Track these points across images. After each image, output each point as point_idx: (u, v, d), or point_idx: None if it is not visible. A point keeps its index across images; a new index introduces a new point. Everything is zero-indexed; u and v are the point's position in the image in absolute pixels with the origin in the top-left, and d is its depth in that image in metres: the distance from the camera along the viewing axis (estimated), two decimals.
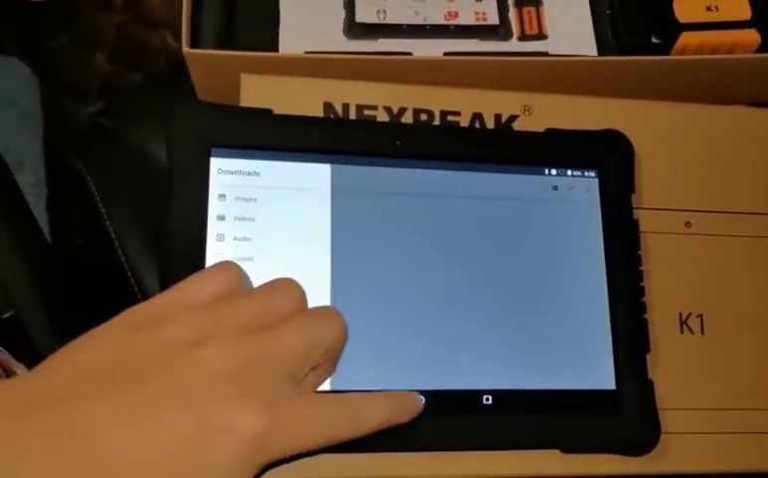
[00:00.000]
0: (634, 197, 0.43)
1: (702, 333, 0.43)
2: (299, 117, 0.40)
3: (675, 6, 0.46)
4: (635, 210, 0.43)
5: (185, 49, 0.44)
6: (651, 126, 0.45)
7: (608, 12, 0.49)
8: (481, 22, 0.50)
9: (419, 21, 0.50)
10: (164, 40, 0.87)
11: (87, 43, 0.89)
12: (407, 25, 0.50)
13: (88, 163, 0.50)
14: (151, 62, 0.85)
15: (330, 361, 0.34)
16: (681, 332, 0.42)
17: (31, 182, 0.66)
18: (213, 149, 0.39)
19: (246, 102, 0.42)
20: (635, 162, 0.43)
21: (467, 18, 0.50)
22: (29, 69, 0.77)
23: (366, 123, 0.42)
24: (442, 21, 0.50)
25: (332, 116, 0.42)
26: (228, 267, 0.32)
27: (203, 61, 0.44)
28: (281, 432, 0.29)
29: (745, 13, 0.46)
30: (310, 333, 0.31)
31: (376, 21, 0.50)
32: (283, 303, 0.32)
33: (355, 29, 0.49)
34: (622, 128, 0.43)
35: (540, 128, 0.43)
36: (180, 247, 0.38)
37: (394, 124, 0.42)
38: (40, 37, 0.88)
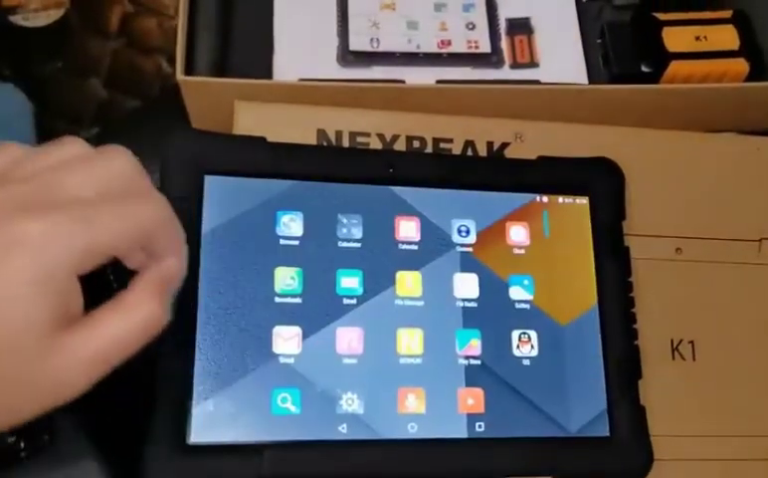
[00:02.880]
0: (625, 224, 0.43)
1: (694, 359, 0.43)
2: (293, 144, 0.40)
3: (665, 36, 0.47)
4: (625, 237, 0.43)
5: (179, 76, 0.44)
6: (641, 154, 0.45)
7: (598, 41, 0.49)
8: (474, 50, 0.51)
9: (412, 49, 0.51)
10: (159, 66, 0.87)
11: (81, 69, 0.89)
12: (400, 53, 0.50)
13: None
14: (146, 88, 0.85)
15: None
16: (673, 358, 0.43)
17: None
18: (206, 177, 0.39)
19: (239, 129, 0.42)
20: (625, 189, 0.44)
21: (459, 46, 0.51)
22: (23, 94, 0.77)
23: (359, 151, 0.42)
24: (435, 49, 0.51)
25: (326, 143, 0.42)
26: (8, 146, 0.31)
27: (197, 88, 0.45)
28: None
29: (733, 43, 0.47)
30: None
31: (369, 49, 0.50)
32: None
33: (349, 57, 0.50)
34: (613, 156, 0.44)
35: (532, 156, 0.44)
36: None
37: (387, 152, 0.42)
38: (34, 63, 0.88)
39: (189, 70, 0.47)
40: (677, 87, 0.46)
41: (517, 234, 0.42)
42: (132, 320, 0.30)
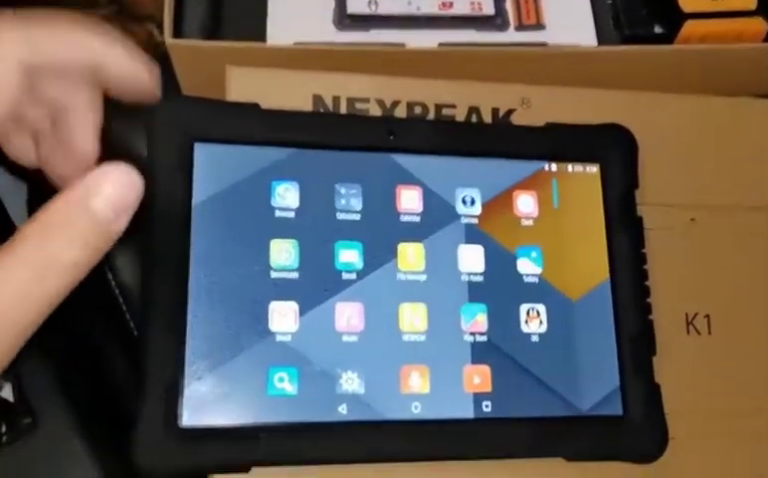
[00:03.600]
0: (637, 193, 0.41)
1: (710, 333, 0.41)
2: (288, 111, 0.38)
3: None
4: (638, 206, 0.41)
5: (168, 40, 0.42)
6: (654, 119, 0.43)
7: (608, 1, 0.47)
8: (477, 12, 0.48)
9: (412, 11, 0.48)
10: (150, 34, 0.84)
11: None
12: (400, 15, 0.48)
13: None
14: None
15: None
16: (688, 332, 0.41)
17: (10, 179, 0.64)
18: (196, 145, 0.37)
19: (231, 95, 0.40)
20: (638, 156, 0.41)
21: (462, 8, 0.48)
22: None
23: (358, 118, 0.40)
24: (436, 11, 0.48)
25: (322, 109, 0.40)
26: None
27: (187, 52, 0.43)
28: None
29: (751, 1, 0.45)
30: None
31: (368, 12, 0.48)
32: None
33: (346, 20, 0.47)
34: (625, 122, 0.42)
35: (539, 122, 0.41)
36: (163, 245, 0.36)
37: (387, 119, 0.40)
38: None
39: (178, 34, 0.44)
40: (692, 47, 0.44)
41: (525, 204, 0.40)
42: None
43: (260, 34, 0.46)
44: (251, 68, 0.40)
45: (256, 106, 0.38)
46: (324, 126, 0.39)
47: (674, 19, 0.44)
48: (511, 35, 0.47)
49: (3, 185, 0.62)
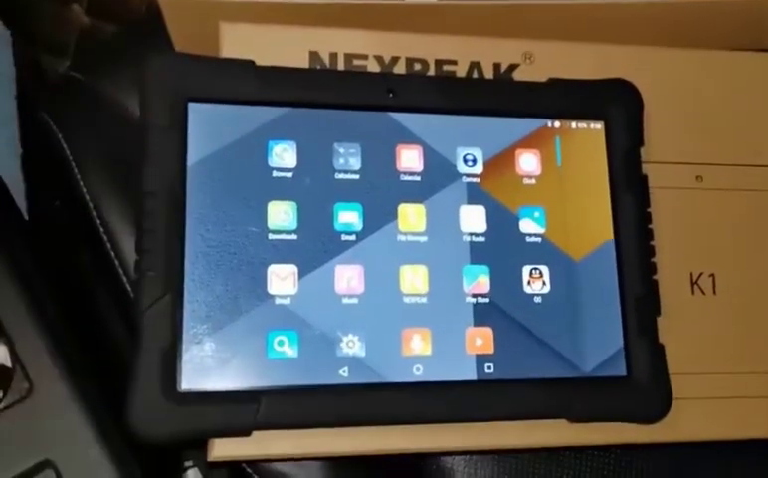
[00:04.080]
0: (642, 151, 0.40)
1: (714, 293, 0.40)
2: (284, 68, 0.37)
3: None
4: (643, 165, 0.40)
5: None
6: (659, 75, 0.42)
7: None
8: None
9: None
10: None
11: None
12: None
13: (60, 121, 0.47)
14: (130, 13, 0.81)
15: None
16: (693, 292, 0.40)
17: (5, 143, 0.63)
18: (190, 104, 0.36)
19: (226, 52, 0.39)
20: (643, 114, 0.40)
21: None
22: (0, 24, 0.73)
23: (356, 75, 0.39)
24: None
25: (319, 66, 0.39)
26: None
27: (179, 7, 0.41)
28: None
29: None
30: None
31: None
32: None
33: None
34: (629, 77, 0.41)
35: (542, 78, 0.40)
36: (158, 207, 0.35)
37: (386, 75, 0.39)
38: None
39: None
40: (698, 1, 0.43)
41: (528, 163, 0.39)
42: None
43: None
44: (245, 24, 0.39)
45: (251, 63, 0.37)
46: (322, 84, 0.38)
47: None
48: None
49: None
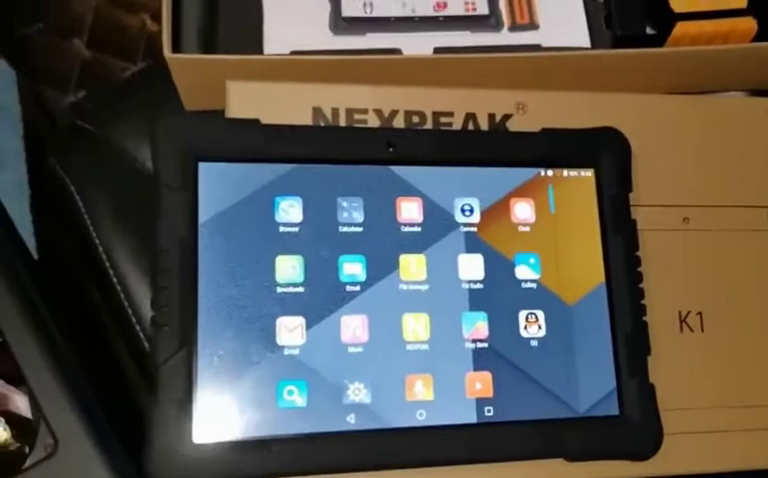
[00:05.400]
0: (631, 195, 0.42)
1: (702, 330, 0.42)
2: (289, 126, 0.39)
3: None
4: (632, 208, 0.42)
5: (167, 54, 0.42)
6: (647, 121, 0.44)
7: (600, 1, 0.47)
8: (471, 12, 0.49)
9: (407, 13, 0.49)
10: (143, 23, 0.84)
11: (63, 29, 0.86)
12: (395, 17, 0.49)
13: (69, 170, 0.49)
14: (131, 46, 0.83)
15: None
16: (681, 330, 0.42)
17: (13, 183, 0.64)
18: (200, 164, 0.38)
19: (232, 110, 0.40)
20: (632, 158, 0.42)
21: (456, 8, 0.49)
22: (5, 62, 0.75)
23: (358, 131, 0.41)
24: (431, 12, 0.49)
25: (322, 121, 0.41)
26: None
27: (186, 65, 0.43)
28: None
29: (741, 1, 0.45)
30: None
31: (363, 14, 0.48)
32: None
33: (342, 24, 0.48)
34: (618, 124, 0.43)
35: (535, 127, 0.42)
36: (171, 264, 0.37)
37: (386, 131, 0.41)
38: (14, 25, 0.85)
39: (176, 44, 0.45)
40: (684, 50, 0.45)
41: (522, 211, 0.41)
42: None
43: (257, 41, 0.46)
44: (250, 82, 0.41)
45: (256, 122, 0.39)
46: (325, 141, 0.39)
47: (666, 19, 0.45)
48: (505, 35, 0.48)
49: (4, 188, 0.62)
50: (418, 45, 0.47)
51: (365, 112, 0.42)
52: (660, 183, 0.43)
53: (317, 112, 0.41)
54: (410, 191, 0.40)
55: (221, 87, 0.42)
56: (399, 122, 0.42)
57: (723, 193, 0.44)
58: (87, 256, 0.48)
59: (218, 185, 0.38)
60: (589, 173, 0.42)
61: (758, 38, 0.45)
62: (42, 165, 0.55)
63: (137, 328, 0.45)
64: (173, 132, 0.38)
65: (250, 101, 0.40)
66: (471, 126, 0.43)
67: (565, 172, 0.41)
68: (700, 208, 0.44)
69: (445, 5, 0.49)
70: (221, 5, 0.48)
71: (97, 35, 0.85)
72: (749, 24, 0.45)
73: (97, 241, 0.46)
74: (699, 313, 0.42)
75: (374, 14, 0.48)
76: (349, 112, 0.42)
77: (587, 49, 0.47)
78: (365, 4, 0.49)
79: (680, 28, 0.45)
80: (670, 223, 0.43)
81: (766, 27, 0.45)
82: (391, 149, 0.40)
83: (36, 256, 0.56)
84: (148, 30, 0.86)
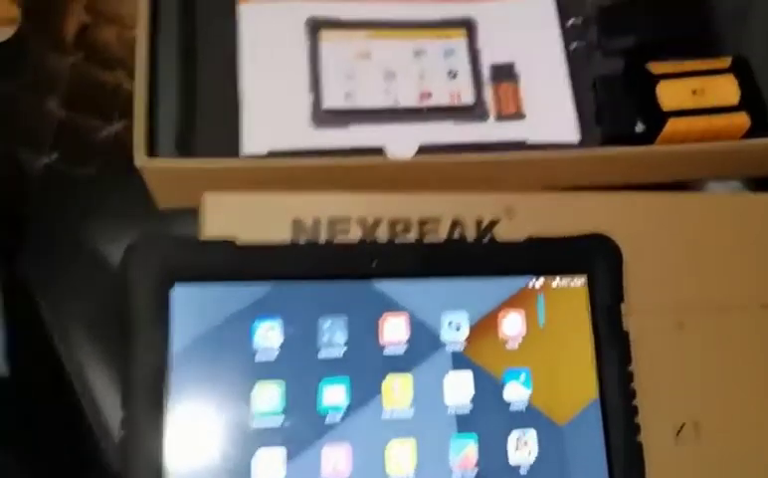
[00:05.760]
0: (623, 305, 0.40)
1: (699, 442, 0.41)
2: (266, 245, 0.37)
3: (660, 92, 0.44)
4: (624, 317, 0.40)
5: (139, 162, 0.40)
6: (638, 221, 0.43)
7: (591, 93, 0.46)
8: (456, 103, 0.48)
9: (390, 103, 0.47)
10: (120, 82, 0.82)
11: (38, 87, 0.84)
12: (378, 109, 0.47)
13: (37, 270, 0.47)
14: (108, 105, 0.80)
15: None
16: (676, 442, 0.41)
17: None
18: (173, 288, 0.36)
19: (209, 224, 0.39)
20: (623, 263, 0.41)
21: (441, 98, 0.48)
22: None
23: (338, 246, 0.39)
24: (415, 102, 0.48)
25: (302, 233, 0.39)
26: None
27: (161, 172, 0.41)
28: None
29: (733, 96, 0.44)
30: None
31: (345, 106, 0.47)
32: None
33: (323, 116, 0.46)
34: (608, 224, 0.41)
35: (524, 232, 0.41)
36: (141, 396, 0.35)
37: (368, 245, 0.39)
38: None
39: (151, 145, 0.43)
40: (675, 149, 0.43)
41: (511, 325, 0.39)
42: None
43: (234, 134, 0.45)
44: (227, 194, 0.39)
45: (232, 243, 0.37)
46: (304, 258, 0.38)
47: (657, 117, 0.44)
48: (491, 126, 0.47)
49: None
50: (402, 137, 0.46)
51: (347, 221, 0.40)
52: (652, 287, 0.42)
53: (297, 223, 0.40)
54: (395, 307, 0.38)
55: (196, 186, 0.40)
56: (383, 231, 0.40)
57: (718, 294, 0.43)
58: (55, 374, 0.46)
59: (192, 310, 0.36)
60: (579, 283, 0.40)
61: (751, 133, 0.44)
62: (9, 269, 0.52)
63: (105, 451, 0.43)
64: (145, 255, 0.36)
65: (227, 214, 0.39)
66: (457, 233, 0.41)
67: (555, 283, 0.40)
68: (695, 312, 0.42)
69: (429, 95, 0.48)
70: (198, 100, 0.46)
71: (73, 94, 0.83)
72: (742, 119, 0.44)
73: (64, 353, 0.44)
74: (696, 422, 0.41)
75: (357, 105, 0.47)
76: (331, 222, 0.40)
77: (574, 145, 0.45)
78: (347, 94, 0.47)
79: (671, 125, 0.44)
80: (663, 329, 0.42)
81: (759, 122, 0.44)
82: (374, 264, 0.38)
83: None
84: (124, 89, 0.84)
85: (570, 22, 0.48)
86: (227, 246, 0.37)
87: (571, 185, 0.45)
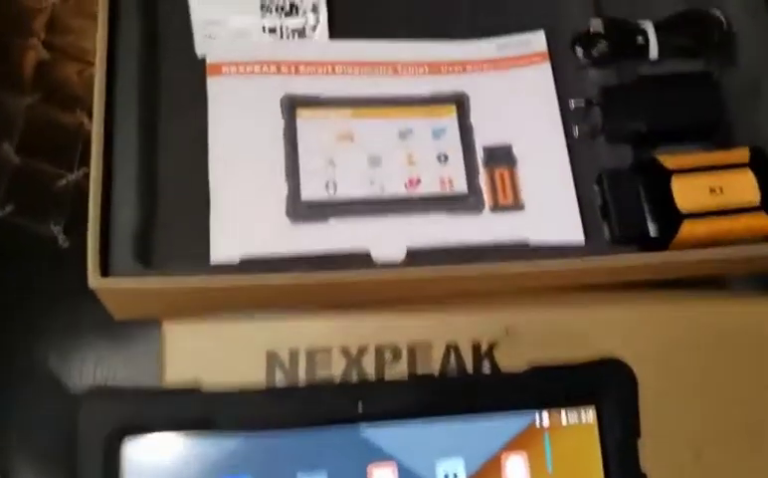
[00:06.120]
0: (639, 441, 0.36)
1: None
2: (235, 393, 0.32)
3: (675, 190, 0.40)
4: (641, 456, 0.36)
5: (92, 283, 0.35)
6: (651, 339, 0.39)
7: (595, 187, 0.42)
8: (448, 190, 0.43)
9: (375, 192, 0.43)
10: (81, 122, 0.76)
11: None
12: (362, 199, 0.42)
13: None
14: (67, 151, 0.75)
15: None
16: None
17: None
18: (126, 441, 0.31)
19: (170, 359, 0.34)
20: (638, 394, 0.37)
21: (430, 185, 0.43)
22: None
23: (319, 388, 0.34)
24: (402, 191, 0.43)
25: (278, 368, 0.35)
26: None
27: (116, 293, 0.36)
28: None
29: (753, 194, 0.40)
30: None
31: (325, 197, 0.42)
32: None
33: (300, 209, 0.42)
34: (618, 340, 0.37)
35: (526, 354, 0.37)
36: None
37: (352, 386, 0.35)
38: None
39: (105, 250, 0.38)
40: (692, 255, 0.39)
41: (515, 471, 0.35)
42: None
43: (201, 235, 0.40)
44: (190, 324, 0.34)
45: (196, 391, 0.32)
46: (279, 405, 0.33)
47: (671, 219, 0.40)
48: (486, 218, 0.42)
49: None
50: (389, 234, 0.41)
51: (328, 351, 0.36)
52: (668, 414, 0.38)
53: (272, 356, 0.35)
54: (383, 456, 0.34)
55: (157, 302, 0.35)
56: (369, 361, 0.36)
57: (740, 423, 0.38)
58: None
59: (147, 467, 0.31)
60: (590, 418, 0.36)
61: None
62: None
63: None
64: (97, 407, 0.31)
65: (190, 347, 0.34)
66: (452, 359, 0.37)
67: (563, 420, 0.36)
68: (715, 439, 0.38)
69: (418, 182, 0.43)
70: (161, 196, 0.41)
71: (30, 137, 0.77)
72: (763, 221, 0.40)
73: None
74: None
75: (338, 195, 0.42)
76: (310, 353, 0.35)
77: (580, 246, 0.41)
78: (328, 184, 0.43)
79: (688, 228, 0.39)
80: (680, 461, 0.38)
81: None
82: (360, 407, 0.34)
83: None
84: (84, 130, 0.78)
85: (572, 103, 0.43)
86: (188, 395, 0.32)
87: (577, 285, 0.40)
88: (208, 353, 0.34)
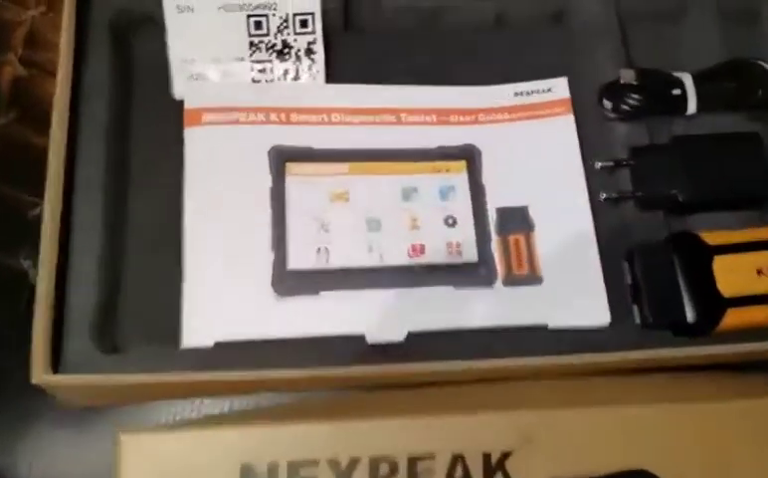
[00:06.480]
0: None
1: None
2: None
3: (717, 272, 0.35)
4: None
5: (37, 378, 0.30)
6: (693, 438, 0.33)
7: (624, 263, 0.37)
8: (455, 258, 0.38)
9: (374, 261, 0.38)
10: None
11: None
12: (358, 268, 0.37)
13: None
14: (40, 176, 0.69)
15: None
16: None
17: None
18: None
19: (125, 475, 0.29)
20: None
21: (436, 252, 0.38)
22: None
23: None
24: (404, 259, 0.38)
25: None
26: None
27: (68, 386, 0.31)
28: None
29: None
30: None
31: (315, 266, 0.37)
32: None
33: (287, 281, 0.37)
34: (648, 446, 0.32)
35: (544, 467, 0.31)
36: None
37: None
38: None
39: (59, 327, 0.33)
40: (740, 348, 0.34)
41: None
42: None
43: (171, 311, 0.35)
44: (151, 434, 0.29)
45: None
46: None
47: (714, 305, 0.34)
48: (499, 292, 0.37)
49: None
50: (387, 311, 0.36)
51: (314, 464, 0.30)
52: None
53: (248, 471, 0.30)
54: None
55: (114, 396, 0.30)
56: (362, 474, 0.31)
57: None
58: None
59: None
60: None
61: None
62: None
63: None
64: None
65: (150, 463, 0.29)
66: (459, 472, 0.31)
67: None
68: None
69: (422, 249, 0.38)
70: (126, 263, 0.36)
71: (2, 162, 0.72)
72: None
73: None
74: None
75: (331, 264, 0.37)
76: (292, 466, 0.30)
77: (605, 328, 0.36)
78: (320, 249, 0.38)
79: (732, 316, 0.34)
80: None
81: None
82: None
83: None
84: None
85: (597, 164, 0.38)
86: None
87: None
88: (172, 466, 0.28)
